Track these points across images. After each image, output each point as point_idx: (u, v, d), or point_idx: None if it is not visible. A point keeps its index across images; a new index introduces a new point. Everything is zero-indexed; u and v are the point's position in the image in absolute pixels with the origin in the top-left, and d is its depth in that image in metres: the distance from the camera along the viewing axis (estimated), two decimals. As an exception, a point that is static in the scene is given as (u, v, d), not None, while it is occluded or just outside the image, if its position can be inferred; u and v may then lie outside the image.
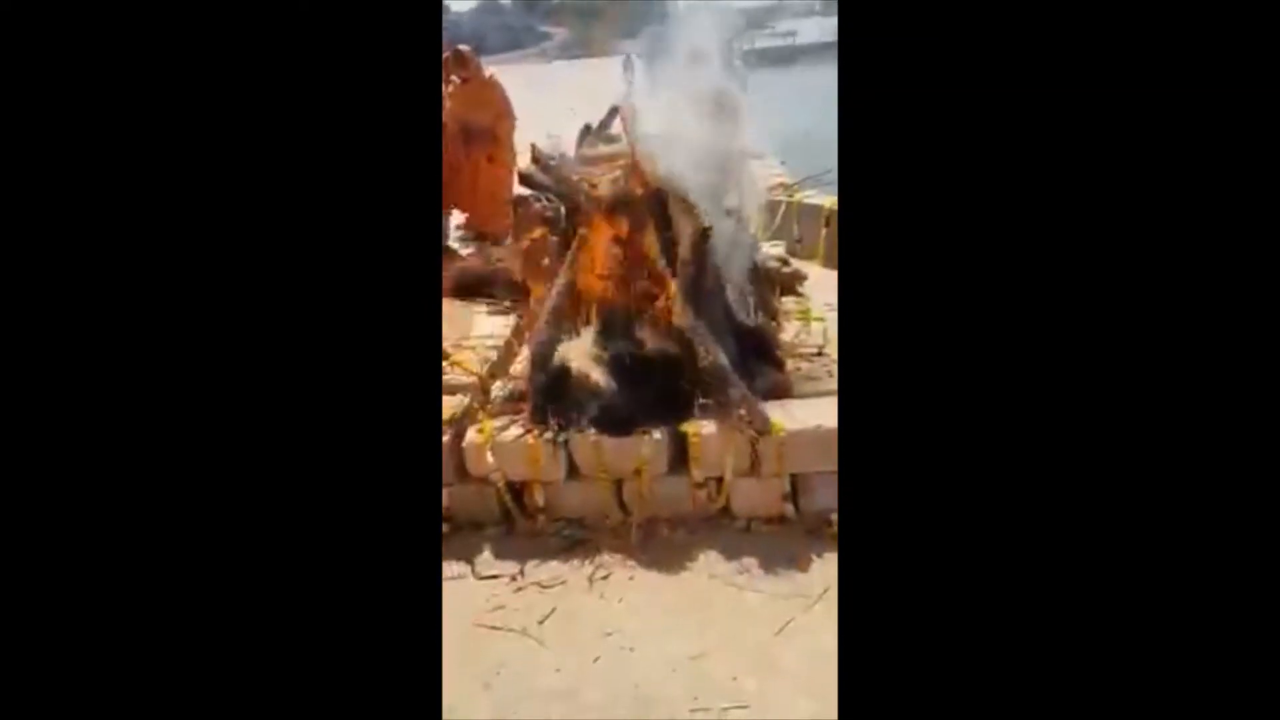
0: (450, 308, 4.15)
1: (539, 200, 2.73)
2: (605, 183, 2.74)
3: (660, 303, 2.47)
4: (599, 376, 2.38)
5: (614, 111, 3.30)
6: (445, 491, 2.37)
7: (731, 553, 2.17)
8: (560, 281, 2.53)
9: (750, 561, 2.12)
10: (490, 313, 3.54)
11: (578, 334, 2.49)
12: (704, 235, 2.49)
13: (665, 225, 2.58)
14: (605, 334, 2.46)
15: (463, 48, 5.06)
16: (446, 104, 4.79)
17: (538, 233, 2.69)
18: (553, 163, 2.82)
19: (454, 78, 4.87)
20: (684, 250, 2.50)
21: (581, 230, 2.55)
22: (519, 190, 2.82)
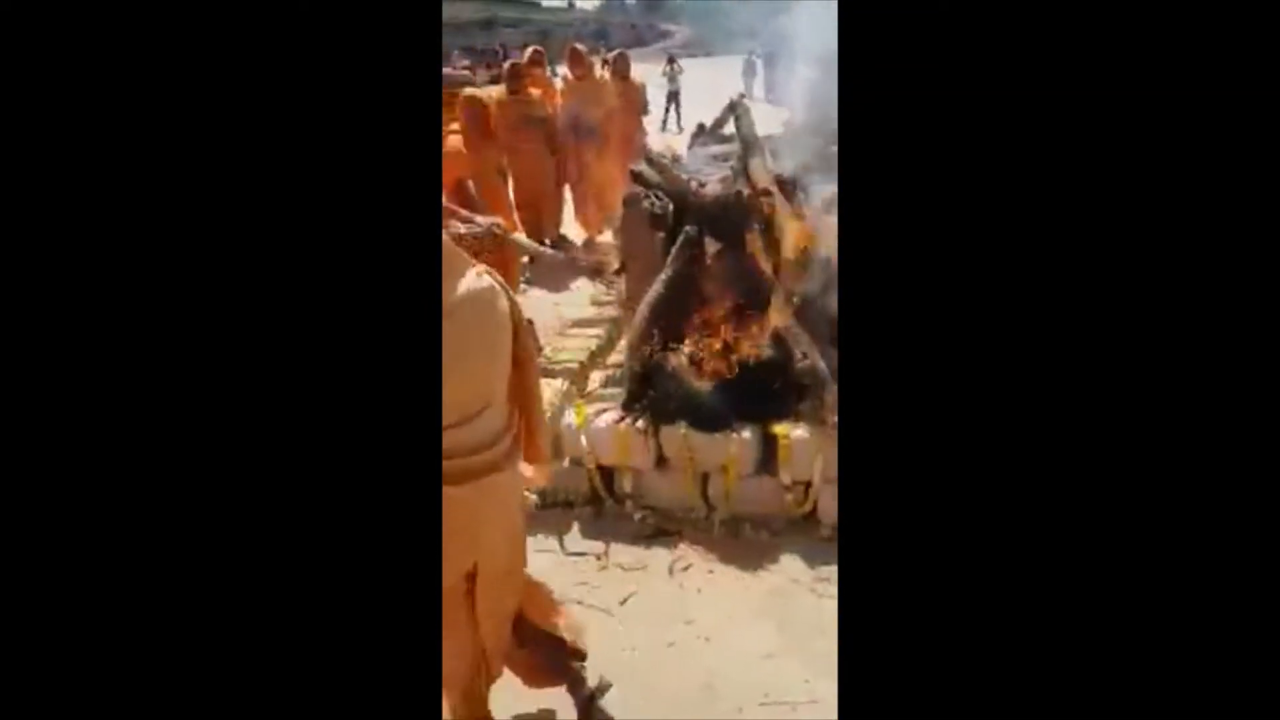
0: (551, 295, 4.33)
1: (648, 198, 2.80)
2: (714, 183, 2.78)
3: (761, 304, 2.48)
4: (692, 372, 2.44)
5: (729, 111, 3.33)
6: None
7: (813, 559, 2.16)
8: (663, 277, 2.60)
9: (831, 570, 2.10)
10: (591, 303, 3.67)
11: (676, 329, 2.55)
12: (809, 239, 2.48)
13: (771, 227, 2.59)
14: (703, 331, 2.51)
15: (579, 46, 5.25)
16: (559, 99, 4.99)
17: (642, 229, 2.76)
18: (664, 161, 2.89)
19: (568, 74, 5.06)
20: (787, 252, 2.50)
21: (688, 229, 2.60)
22: (631, 188, 2.90)
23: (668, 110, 10.79)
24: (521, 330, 1.33)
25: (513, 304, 1.32)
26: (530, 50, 5.60)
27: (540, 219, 4.84)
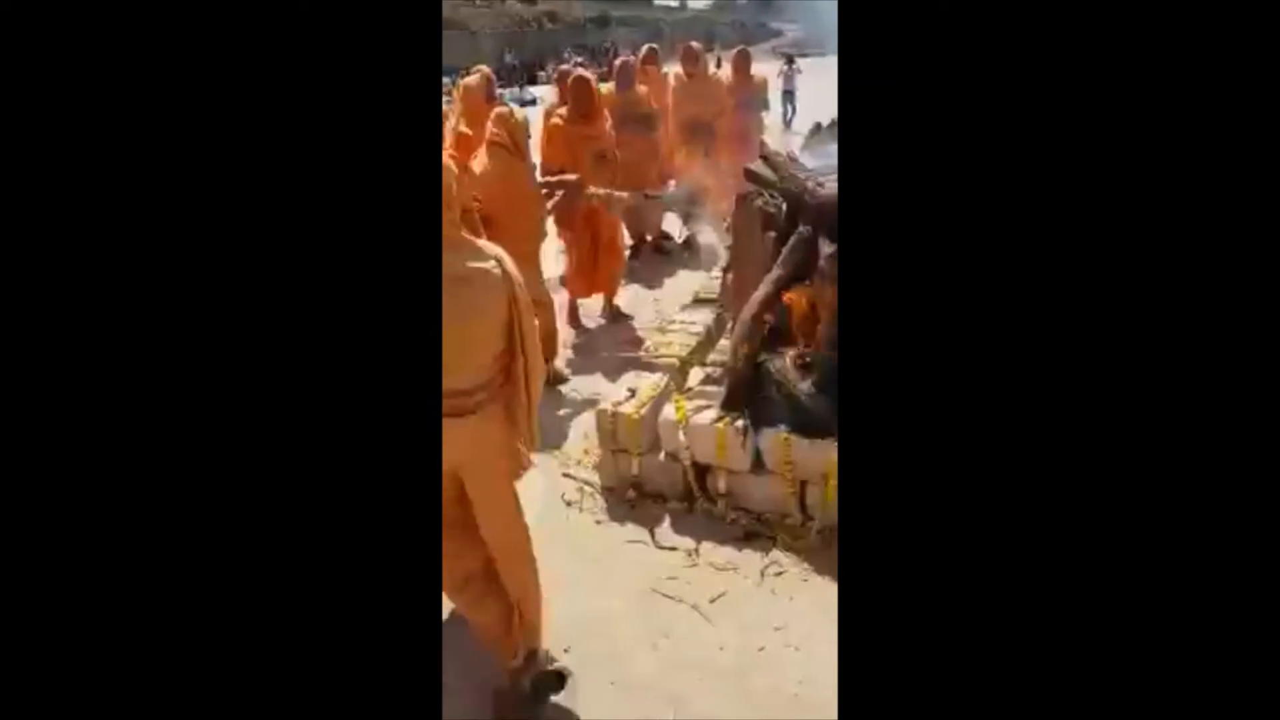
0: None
1: (761, 196, 2.77)
2: (829, 182, 2.71)
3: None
4: (796, 377, 2.39)
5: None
6: (636, 461, 2.53)
7: (914, 578, 2.07)
8: (772, 277, 2.55)
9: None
10: (693, 300, 3.66)
11: (783, 331, 2.51)
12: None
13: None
14: (810, 335, 2.45)
15: (693, 44, 5.24)
16: (671, 97, 5.00)
17: (754, 228, 2.73)
18: (780, 159, 2.84)
19: (681, 71, 5.06)
20: (907, 259, 2.40)
21: (801, 229, 2.55)
22: (744, 186, 2.87)
23: (784, 108, 10.64)
24: (521, 316, 1.52)
25: (514, 295, 1.51)
26: (645, 48, 5.64)
27: (642, 215, 4.89)
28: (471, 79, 4.20)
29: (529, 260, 3.03)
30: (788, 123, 10.01)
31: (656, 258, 5.11)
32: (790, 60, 11.59)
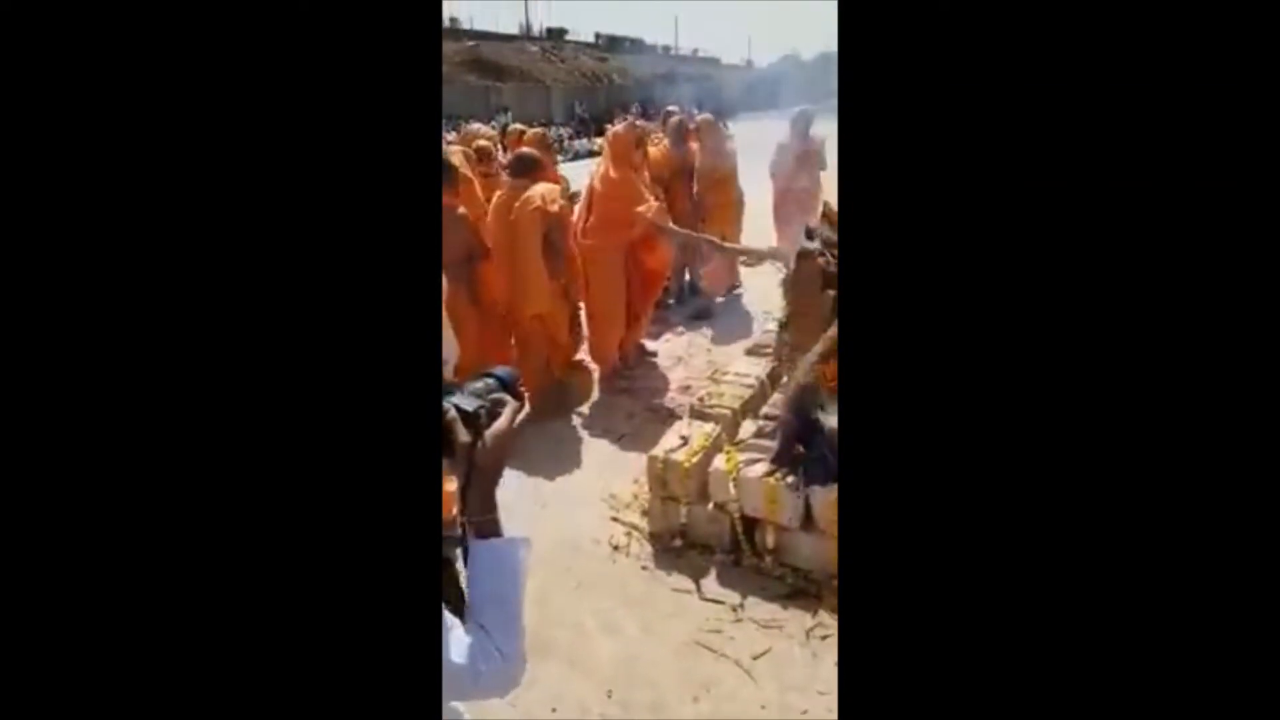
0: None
1: (822, 254, 2.81)
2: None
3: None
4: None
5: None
6: (684, 509, 2.54)
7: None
8: (826, 336, 2.58)
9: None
10: (748, 352, 3.69)
11: (837, 390, 2.51)
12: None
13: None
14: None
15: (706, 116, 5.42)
16: (690, 157, 5.12)
17: (815, 282, 2.76)
18: (839, 218, 2.89)
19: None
20: (968, 324, 2.39)
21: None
22: (804, 244, 2.93)
23: None
24: None
25: None
26: (702, 117, 5.76)
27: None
28: (620, 128, 4.24)
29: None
30: None
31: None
32: None
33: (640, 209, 3.70)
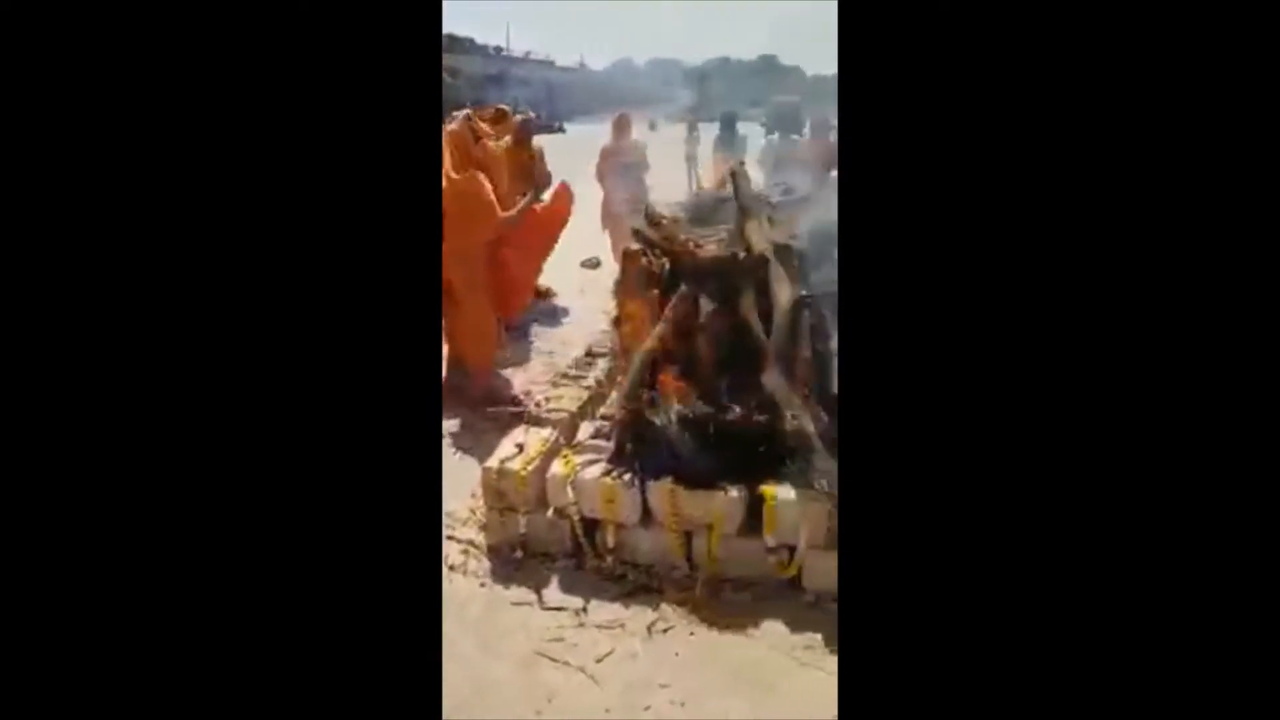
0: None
1: (646, 256, 2.86)
2: (711, 244, 2.85)
3: (752, 365, 2.51)
4: (683, 429, 2.44)
5: (729, 175, 3.44)
6: (523, 519, 2.47)
7: (796, 626, 2.13)
8: (656, 333, 2.63)
9: (815, 638, 2.07)
10: (587, 353, 3.69)
11: (667, 387, 2.57)
12: (801, 303, 2.53)
13: (764, 290, 2.64)
14: (694, 389, 2.52)
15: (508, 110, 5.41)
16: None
17: (640, 285, 2.81)
18: (663, 221, 2.97)
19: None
20: (780, 317, 2.54)
21: (683, 287, 2.65)
22: (629, 245, 2.97)
23: (689, 172, 11.05)
24: None
25: None
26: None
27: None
28: (453, 125, 4.00)
29: None
30: (694, 185, 10.40)
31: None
32: (693, 126, 12.12)
33: (504, 215, 3.53)
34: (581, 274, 5.73)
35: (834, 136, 6.14)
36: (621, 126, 5.26)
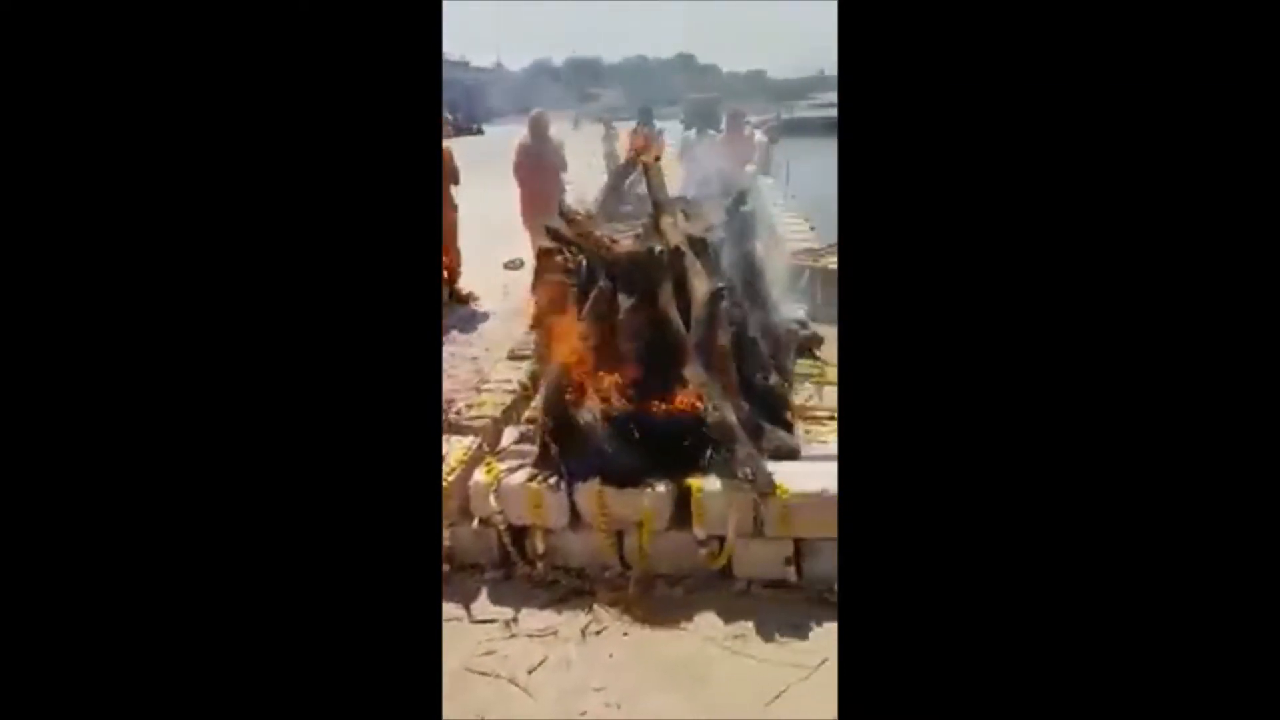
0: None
1: (561, 253, 2.82)
2: (626, 239, 2.83)
3: (672, 358, 2.50)
4: (606, 428, 2.41)
5: (642, 172, 3.42)
6: (448, 531, 2.39)
7: (729, 615, 2.13)
8: (575, 331, 2.59)
9: (747, 625, 2.08)
10: (509, 358, 3.61)
11: (589, 385, 2.53)
12: (717, 296, 2.54)
13: (682, 284, 2.64)
14: (616, 386, 2.50)
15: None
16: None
17: (557, 283, 2.76)
18: (578, 218, 2.93)
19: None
20: (698, 309, 2.55)
21: (600, 284, 2.62)
22: (544, 243, 2.91)
23: (608, 170, 11.04)
24: None
25: None
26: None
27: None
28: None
29: None
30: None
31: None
32: (609, 125, 12.13)
33: None
34: (505, 275, 5.62)
35: (748, 131, 6.25)
36: (539, 125, 5.19)
